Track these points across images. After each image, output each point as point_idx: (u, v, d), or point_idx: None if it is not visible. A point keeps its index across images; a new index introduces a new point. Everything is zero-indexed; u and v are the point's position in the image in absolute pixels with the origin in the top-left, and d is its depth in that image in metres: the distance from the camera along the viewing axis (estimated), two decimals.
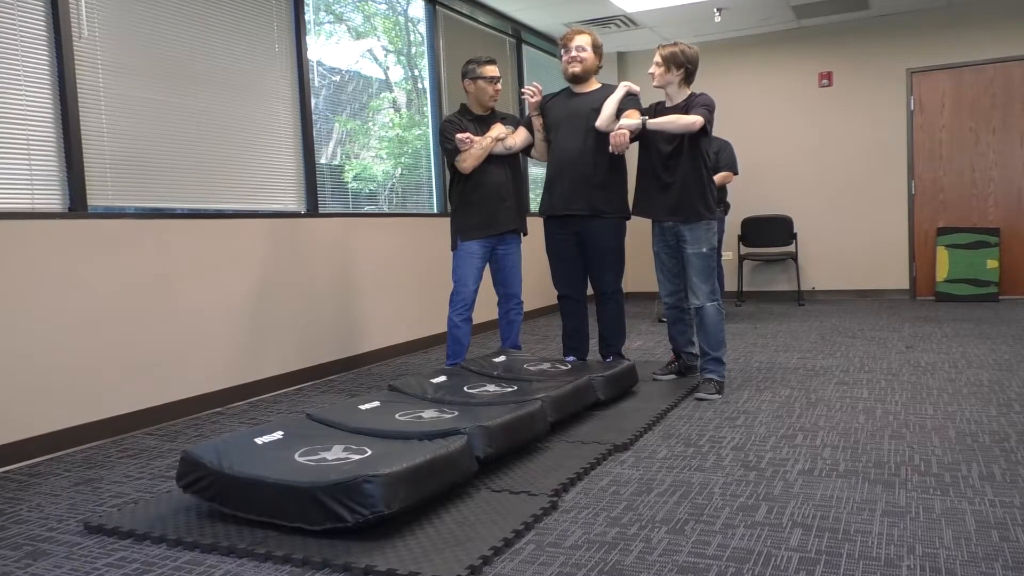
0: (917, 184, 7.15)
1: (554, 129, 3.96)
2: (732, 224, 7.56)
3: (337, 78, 5.07)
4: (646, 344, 5.26)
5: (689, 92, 3.71)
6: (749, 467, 2.60)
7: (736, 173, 6.18)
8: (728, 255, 7.75)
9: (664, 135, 3.64)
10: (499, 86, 4.04)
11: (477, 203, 3.98)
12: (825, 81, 7.36)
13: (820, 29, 7.32)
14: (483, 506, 2.29)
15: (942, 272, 6.93)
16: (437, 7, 5.82)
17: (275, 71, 4.39)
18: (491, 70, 4.02)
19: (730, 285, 7.71)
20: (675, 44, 3.67)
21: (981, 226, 6.91)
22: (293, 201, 4.51)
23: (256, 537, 2.09)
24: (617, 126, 3.60)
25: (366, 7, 5.41)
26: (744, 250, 7.52)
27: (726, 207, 6.20)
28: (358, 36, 5.34)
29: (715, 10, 6.58)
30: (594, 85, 3.97)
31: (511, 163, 4.08)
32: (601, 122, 3.74)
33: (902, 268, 7.25)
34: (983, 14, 6.80)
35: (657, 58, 3.68)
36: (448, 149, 3.97)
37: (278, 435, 2.52)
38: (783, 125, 7.55)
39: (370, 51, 5.46)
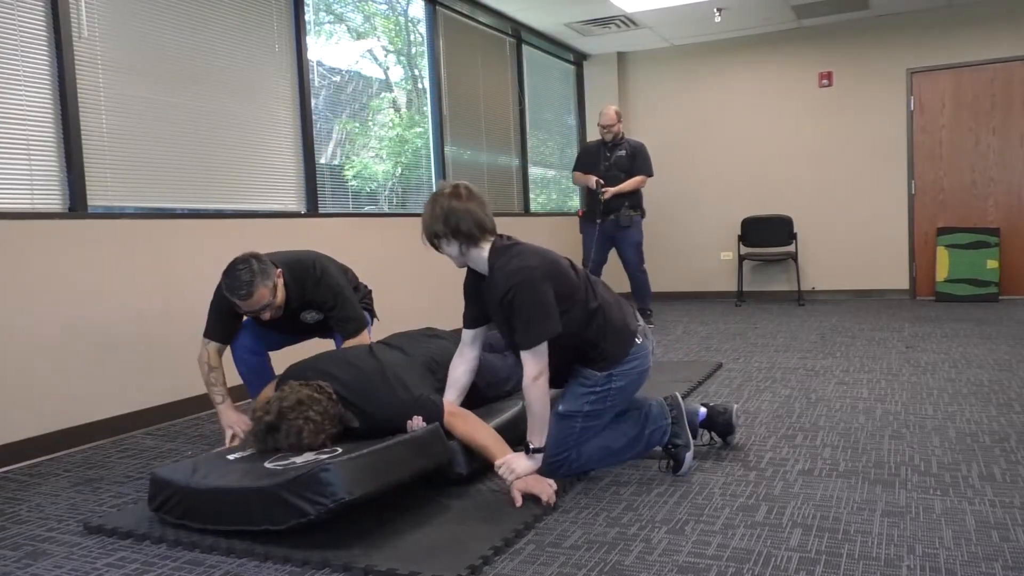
0: (917, 184, 7.15)
1: None
2: (732, 224, 7.58)
3: (337, 78, 5.07)
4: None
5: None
6: (749, 467, 2.60)
7: (650, 175, 5.96)
8: (728, 255, 7.75)
9: None
10: (268, 315, 2.85)
11: None
12: (825, 81, 7.35)
13: (820, 29, 7.32)
14: (483, 506, 2.29)
15: (942, 272, 6.92)
16: (437, 7, 5.82)
17: (275, 71, 4.39)
18: (246, 307, 2.78)
19: (730, 285, 7.71)
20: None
21: (981, 226, 6.90)
22: (293, 201, 4.52)
23: (256, 538, 2.09)
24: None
25: (366, 7, 5.41)
26: (744, 250, 7.52)
27: (642, 212, 5.96)
28: (358, 36, 5.35)
29: (715, 10, 6.58)
30: None
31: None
32: None
33: (902, 268, 7.25)
34: (983, 14, 6.80)
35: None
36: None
37: (251, 450, 2.45)
38: (783, 125, 7.55)
39: (370, 51, 5.46)
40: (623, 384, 2.46)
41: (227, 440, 2.96)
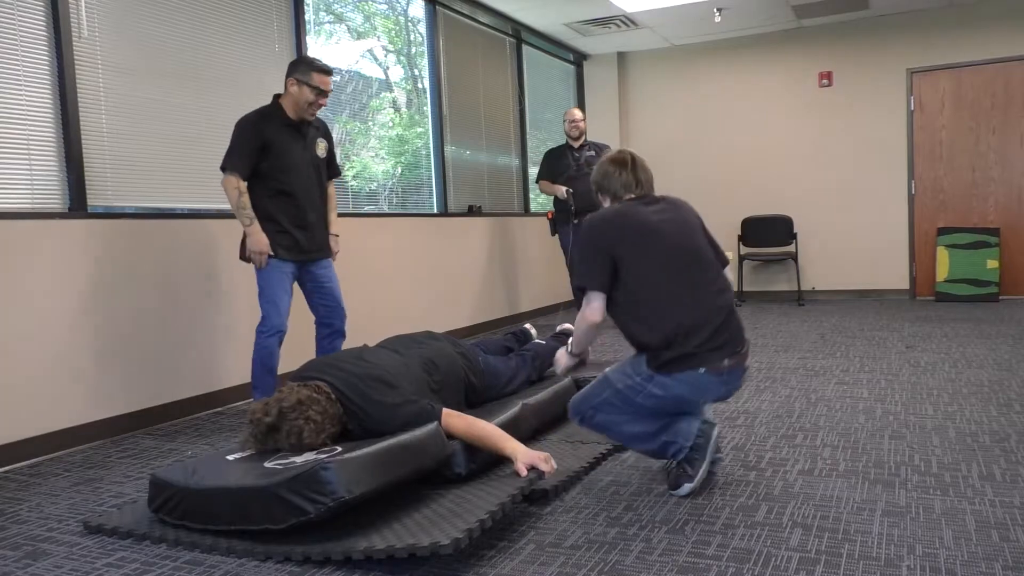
0: (917, 184, 7.15)
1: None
2: (732, 224, 7.58)
3: (337, 78, 5.07)
4: None
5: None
6: (749, 467, 2.60)
7: None
8: (728, 255, 7.74)
9: None
10: (325, 101, 3.54)
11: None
12: (825, 81, 7.35)
13: (820, 29, 7.32)
14: (478, 487, 2.30)
15: (942, 272, 6.92)
16: (437, 7, 5.82)
17: (275, 71, 4.39)
18: (324, 81, 3.48)
19: None
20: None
21: (981, 226, 6.90)
22: None
23: (256, 537, 2.09)
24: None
25: (366, 7, 5.41)
26: (744, 250, 7.52)
27: None
28: (358, 36, 5.34)
29: (715, 10, 6.58)
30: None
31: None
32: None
33: (902, 268, 7.25)
34: (983, 14, 6.80)
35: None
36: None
37: (251, 450, 2.45)
38: (783, 125, 7.55)
39: (370, 51, 5.46)
40: (661, 395, 2.36)
41: (257, 263, 3.36)
